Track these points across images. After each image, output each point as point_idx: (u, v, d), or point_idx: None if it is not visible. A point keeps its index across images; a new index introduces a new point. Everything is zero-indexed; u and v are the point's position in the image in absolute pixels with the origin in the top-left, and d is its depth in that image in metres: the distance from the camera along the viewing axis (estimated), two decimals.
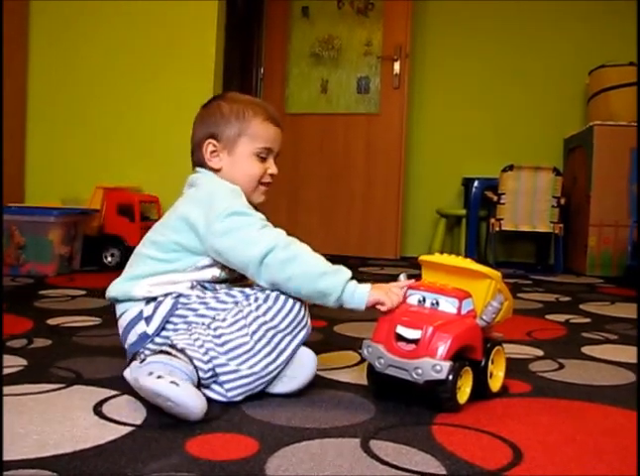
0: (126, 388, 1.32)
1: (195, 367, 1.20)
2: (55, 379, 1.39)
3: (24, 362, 1.50)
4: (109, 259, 3.29)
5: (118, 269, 3.12)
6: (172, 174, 3.57)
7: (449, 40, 4.74)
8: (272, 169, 1.46)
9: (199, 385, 1.21)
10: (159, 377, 1.12)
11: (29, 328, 1.87)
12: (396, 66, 4.49)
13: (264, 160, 1.44)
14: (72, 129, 3.72)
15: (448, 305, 1.29)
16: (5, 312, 2.06)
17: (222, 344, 1.24)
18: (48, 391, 1.30)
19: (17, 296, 2.45)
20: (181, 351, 1.20)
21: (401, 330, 1.25)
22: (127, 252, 3.22)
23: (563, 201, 3.91)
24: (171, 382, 1.11)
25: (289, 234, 1.31)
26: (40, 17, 3.68)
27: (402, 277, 1.36)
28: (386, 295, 1.29)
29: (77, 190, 3.54)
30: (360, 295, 1.27)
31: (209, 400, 1.19)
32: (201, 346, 1.23)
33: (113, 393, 1.30)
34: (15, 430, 1.07)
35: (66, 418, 1.14)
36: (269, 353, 1.27)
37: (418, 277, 1.40)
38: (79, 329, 1.89)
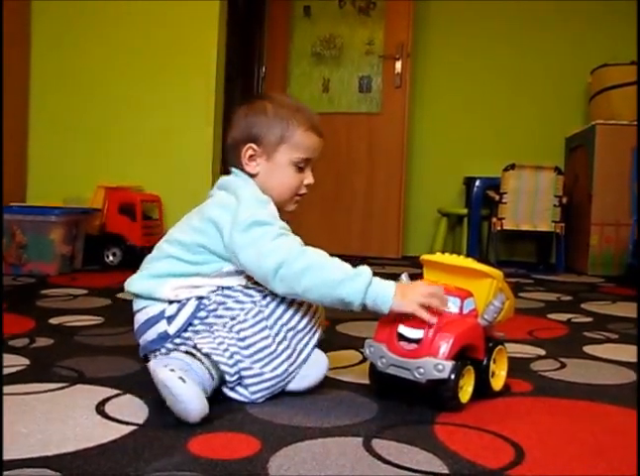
0: (128, 387, 1.32)
1: (221, 372, 1.21)
2: (58, 378, 1.39)
3: (26, 361, 1.51)
4: (111, 258, 3.29)
5: (120, 268, 3.17)
6: (174, 173, 3.60)
7: (451, 39, 4.74)
8: (309, 179, 1.43)
9: (221, 385, 1.23)
10: (171, 370, 1.13)
11: (31, 328, 1.87)
12: (398, 65, 4.49)
13: (301, 170, 1.41)
14: (74, 128, 3.72)
15: (450, 304, 1.29)
16: (7, 312, 2.06)
17: (246, 347, 1.24)
18: (50, 390, 1.30)
19: (19, 295, 2.45)
20: (206, 356, 1.20)
21: (403, 330, 1.25)
22: (128, 251, 3.23)
23: (564, 200, 3.91)
24: (179, 377, 1.12)
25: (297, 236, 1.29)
26: (41, 17, 3.68)
27: (404, 276, 1.34)
28: (410, 303, 1.22)
29: (79, 190, 3.54)
30: (381, 303, 1.21)
31: (214, 399, 1.19)
32: (226, 350, 1.23)
33: (115, 392, 1.30)
34: (18, 430, 1.07)
35: (69, 418, 1.15)
36: (290, 355, 1.28)
37: (420, 276, 1.40)
38: (81, 328, 1.89)
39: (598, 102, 4.09)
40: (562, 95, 4.60)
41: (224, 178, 1.43)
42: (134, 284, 1.38)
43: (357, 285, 1.21)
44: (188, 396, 1.11)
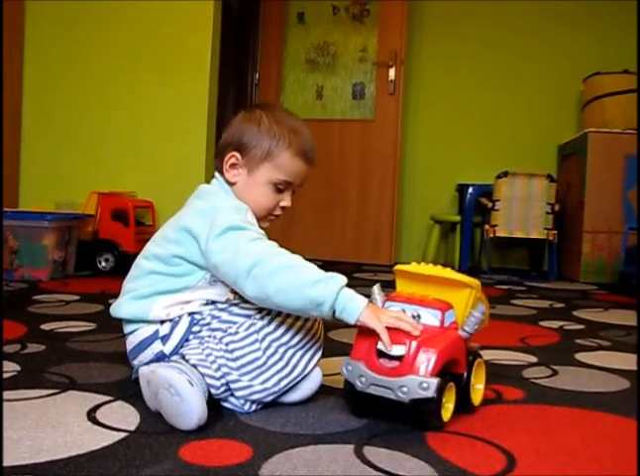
0: (119, 393, 1.32)
1: (207, 385, 1.20)
2: (49, 384, 1.38)
3: (17, 367, 1.50)
4: (103, 264, 3.28)
5: (112, 274, 3.16)
6: (167, 179, 3.59)
7: (444, 46, 4.76)
8: (286, 202, 1.39)
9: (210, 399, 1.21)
10: (180, 372, 1.14)
11: (22, 333, 1.87)
12: (391, 73, 4.50)
13: (280, 191, 1.38)
14: (67, 133, 3.72)
15: (430, 317, 1.22)
16: None
17: (234, 359, 1.23)
18: (41, 396, 1.30)
19: (10, 301, 2.44)
20: (194, 367, 1.19)
21: (383, 346, 1.17)
22: (121, 257, 3.22)
23: (557, 208, 3.92)
24: (188, 380, 1.13)
25: (284, 242, 1.27)
26: (35, 20, 3.68)
27: (376, 288, 1.29)
28: (378, 320, 1.17)
29: (72, 195, 3.53)
30: (351, 309, 1.16)
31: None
32: (213, 362, 1.22)
33: (107, 398, 1.30)
34: (8, 436, 1.07)
35: (60, 424, 1.14)
36: (282, 368, 1.25)
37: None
38: (73, 334, 1.88)
39: (591, 110, 4.11)
40: (554, 103, 4.62)
41: (203, 187, 1.42)
42: (121, 309, 1.34)
43: (330, 286, 1.16)
44: (193, 399, 1.11)
